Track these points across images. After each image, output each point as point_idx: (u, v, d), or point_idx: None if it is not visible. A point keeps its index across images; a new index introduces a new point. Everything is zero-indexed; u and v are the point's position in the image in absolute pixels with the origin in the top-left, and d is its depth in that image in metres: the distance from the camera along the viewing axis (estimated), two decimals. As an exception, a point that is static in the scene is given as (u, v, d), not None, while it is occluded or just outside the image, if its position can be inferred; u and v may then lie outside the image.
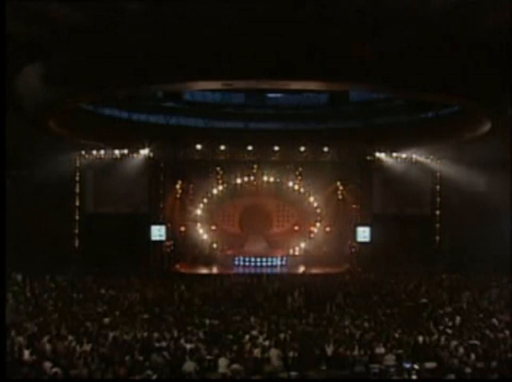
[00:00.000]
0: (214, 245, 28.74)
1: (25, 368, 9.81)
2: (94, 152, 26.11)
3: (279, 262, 27.94)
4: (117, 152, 25.98)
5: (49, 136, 21.60)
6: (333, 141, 26.28)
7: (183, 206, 28.94)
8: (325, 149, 26.97)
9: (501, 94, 16.60)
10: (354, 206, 28.11)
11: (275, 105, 26.82)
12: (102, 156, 26.23)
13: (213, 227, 29.34)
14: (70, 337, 12.35)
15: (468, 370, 10.03)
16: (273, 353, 11.30)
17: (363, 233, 27.27)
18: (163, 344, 12.13)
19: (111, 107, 24.02)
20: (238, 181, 29.09)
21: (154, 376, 9.62)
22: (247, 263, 27.74)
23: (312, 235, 29.25)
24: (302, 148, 26.83)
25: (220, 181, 29.06)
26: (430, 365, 10.41)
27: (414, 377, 10.15)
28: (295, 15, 12.96)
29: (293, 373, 10.23)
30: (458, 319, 15.20)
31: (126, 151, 25.99)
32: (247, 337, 12.89)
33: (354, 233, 27.50)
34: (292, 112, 26.99)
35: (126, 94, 20.47)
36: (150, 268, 25.41)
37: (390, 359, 10.96)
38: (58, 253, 25.18)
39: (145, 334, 13.09)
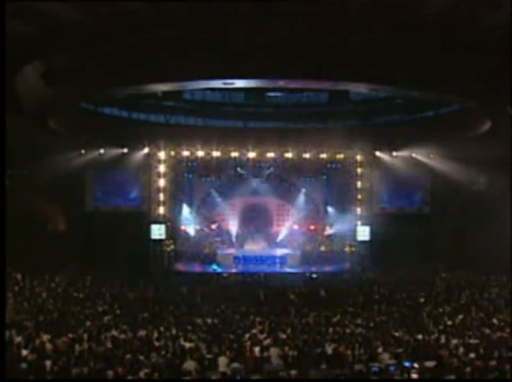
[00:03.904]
0: (215, 244, 28.73)
1: (24, 367, 9.80)
2: (94, 151, 26.09)
3: (278, 261, 27.94)
4: (117, 151, 25.95)
5: (49, 135, 21.58)
6: (333, 140, 26.27)
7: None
8: (325, 148, 26.95)
9: (500, 93, 16.58)
10: (354, 205, 28.08)
11: (275, 104, 26.80)
12: (102, 155, 26.21)
13: (213, 226, 29.33)
14: (70, 336, 12.36)
15: (467, 369, 10.04)
16: (273, 351, 11.31)
17: (363, 232, 27.29)
18: (163, 343, 12.14)
19: (111, 107, 24.01)
20: (238, 180, 29.07)
21: (155, 376, 9.62)
22: (247, 262, 27.75)
23: (312, 234, 29.23)
24: (302, 148, 26.81)
25: (220, 180, 29.05)
26: (430, 364, 10.42)
27: (414, 376, 10.15)
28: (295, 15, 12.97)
29: (293, 372, 10.23)
30: (457, 318, 15.22)
31: (126, 150, 25.96)
32: (247, 335, 12.90)
33: (354, 232, 27.51)
34: (292, 111, 26.98)
35: (126, 93, 20.45)
36: (150, 267, 25.39)
37: (390, 358, 10.96)
38: (58, 252, 25.18)
39: (145, 333, 13.10)
